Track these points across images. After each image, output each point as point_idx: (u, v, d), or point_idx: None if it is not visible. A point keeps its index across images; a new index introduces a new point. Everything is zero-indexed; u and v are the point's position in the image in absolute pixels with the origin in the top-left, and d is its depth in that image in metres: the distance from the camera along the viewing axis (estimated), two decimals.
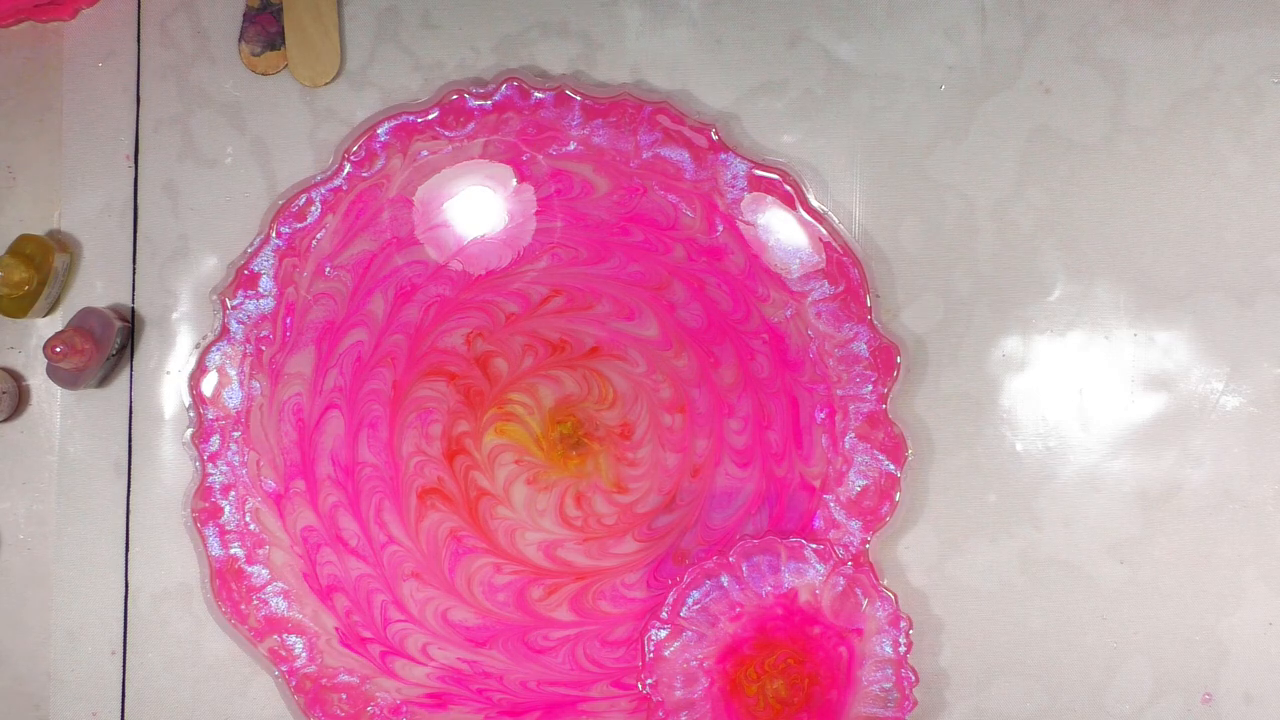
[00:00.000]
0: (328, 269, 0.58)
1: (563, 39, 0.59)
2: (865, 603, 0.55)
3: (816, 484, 0.56)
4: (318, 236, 0.58)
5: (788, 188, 0.57)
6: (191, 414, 0.58)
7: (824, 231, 0.57)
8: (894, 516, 0.56)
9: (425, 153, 0.58)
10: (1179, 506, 0.56)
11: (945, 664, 0.57)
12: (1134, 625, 0.56)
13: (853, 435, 0.56)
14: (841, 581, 0.55)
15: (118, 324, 0.58)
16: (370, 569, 0.58)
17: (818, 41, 0.58)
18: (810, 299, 0.57)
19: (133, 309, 0.60)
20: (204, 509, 0.58)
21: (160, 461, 0.60)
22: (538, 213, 0.58)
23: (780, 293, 0.57)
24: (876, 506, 0.56)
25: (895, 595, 0.55)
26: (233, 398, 0.58)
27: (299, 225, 0.58)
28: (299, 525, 0.58)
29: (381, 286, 0.58)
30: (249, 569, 0.58)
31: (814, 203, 0.57)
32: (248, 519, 0.58)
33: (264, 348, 0.58)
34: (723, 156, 0.57)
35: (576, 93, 0.57)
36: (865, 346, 0.56)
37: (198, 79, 0.60)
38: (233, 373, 0.58)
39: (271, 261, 0.58)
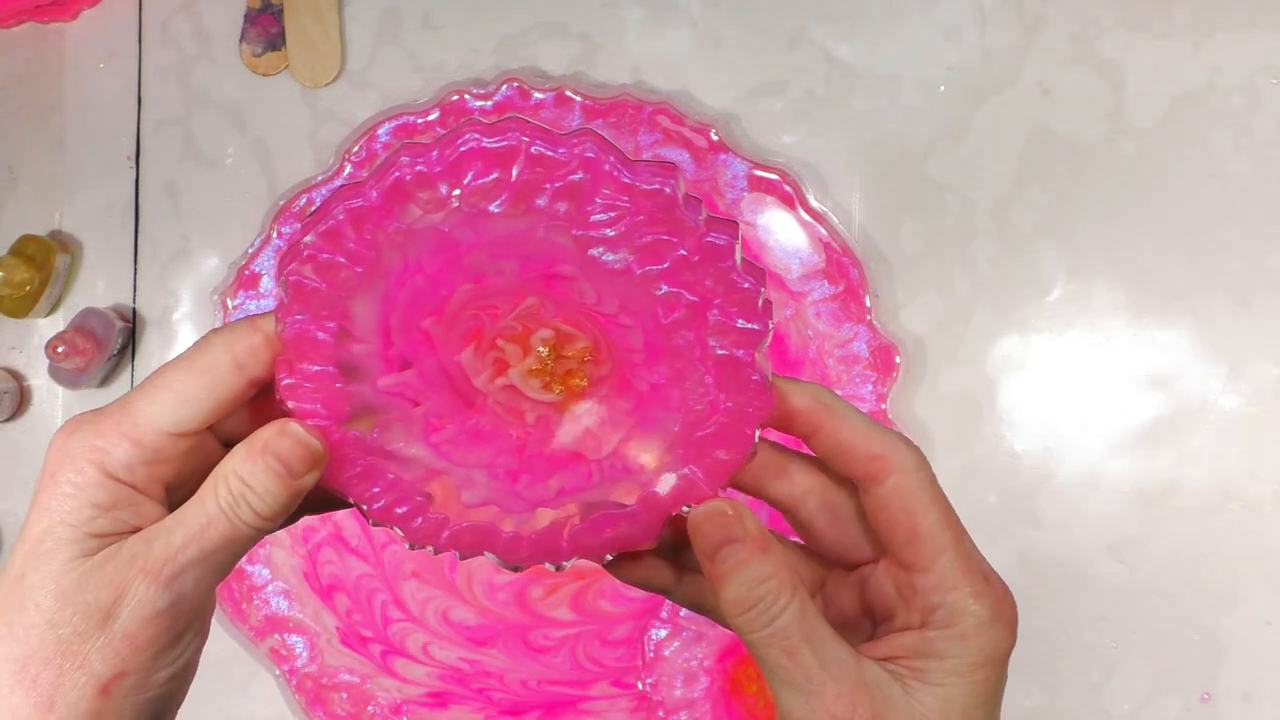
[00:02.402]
0: None
1: (563, 39, 0.59)
2: None
3: None
4: None
5: (787, 188, 0.57)
6: None
7: (823, 232, 0.57)
8: None
9: None
10: (1178, 506, 0.56)
11: None
12: (1133, 625, 0.56)
13: None
14: None
15: (119, 324, 0.59)
16: (371, 568, 0.58)
17: (818, 42, 0.59)
18: (810, 299, 0.57)
19: (134, 309, 0.60)
20: None
21: None
22: None
23: (780, 293, 0.57)
24: None
25: None
26: None
27: (300, 226, 0.58)
28: (299, 525, 0.58)
29: None
30: (250, 569, 0.58)
31: (814, 203, 0.57)
32: None
33: None
34: (723, 157, 0.57)
35: (576, 93, 0.57)
36: (865, 346, 0.56)
37: (199, 80, 0.61)
38: None
39: (272, 262, 0.58)
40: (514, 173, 0.28)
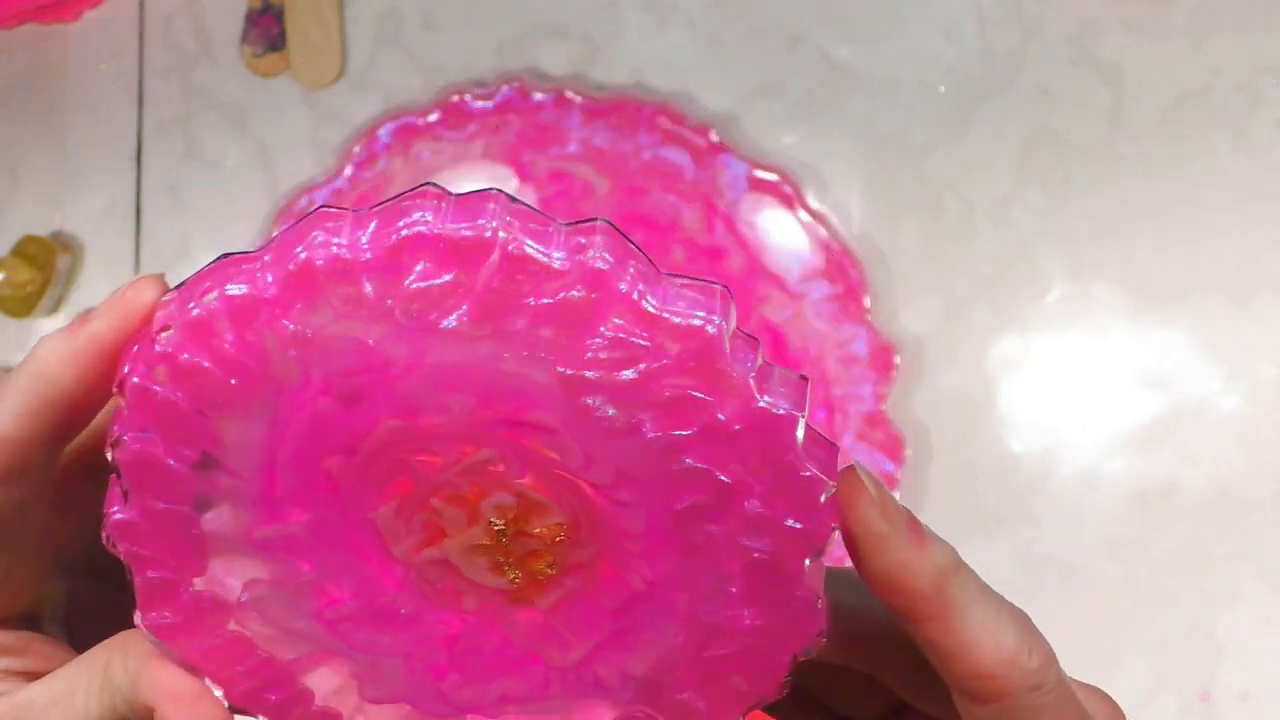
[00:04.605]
0: None
1: (563, 41, 0.59)
2: None
3: None
4: None
5: (787, 189, 0.57)
6: None
7: (823, 232, 0.57)
8: None
9: (426, 154, 0.58)
10: (1176, 506, 0.56)
11: None
12: (1131, 624, 0.56)
13: (851, 435, 0.56)
14: None
15: None
16: None
17: (817, 43, 0.59)
18: (809, 299, 0.57)
19: None
20: None
21: None
22: None
23: (780, 293, 0.57)
24: None
25: None
26: None
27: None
28: None
29: None
30: None
31: (813, 204, 0.57)
32: None
33: None
34: (722, 158, 0.57)
35: (577, 94, 0.57)
36: (864, 347, 0.56)
37: (200, 80, 0.61)
38: None
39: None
40: (481, 277, 0.19)
